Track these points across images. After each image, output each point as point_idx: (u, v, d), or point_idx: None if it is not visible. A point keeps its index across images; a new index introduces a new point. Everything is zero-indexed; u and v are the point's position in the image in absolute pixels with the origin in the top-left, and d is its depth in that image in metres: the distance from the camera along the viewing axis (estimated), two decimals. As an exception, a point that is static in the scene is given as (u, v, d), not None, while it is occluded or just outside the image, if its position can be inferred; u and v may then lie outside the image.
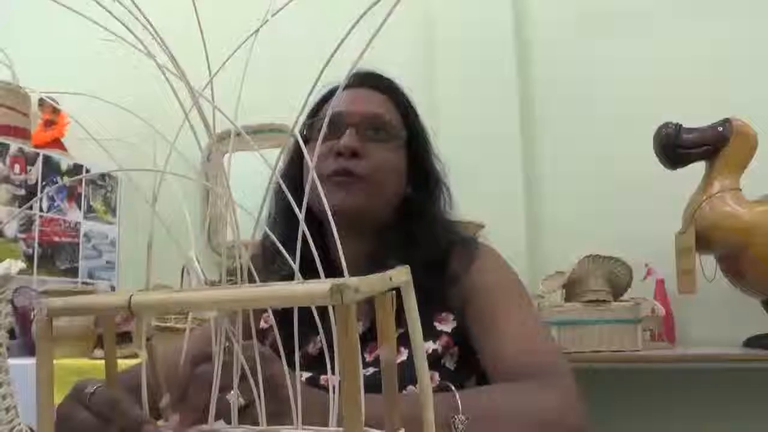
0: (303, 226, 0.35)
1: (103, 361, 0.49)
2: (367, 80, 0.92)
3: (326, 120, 0.40)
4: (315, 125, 0.90)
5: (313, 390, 0.59)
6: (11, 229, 2.01)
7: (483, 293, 0.83)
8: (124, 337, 1.59)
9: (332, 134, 0.86)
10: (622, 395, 1.88)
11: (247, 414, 0.45)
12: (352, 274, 0.31)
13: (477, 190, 1.87)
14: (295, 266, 0.36)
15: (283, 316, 0.71)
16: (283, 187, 0.38)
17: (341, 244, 0.35)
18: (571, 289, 1.75)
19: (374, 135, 0.88)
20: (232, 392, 0.41)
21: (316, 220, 0.83)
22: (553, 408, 0.66)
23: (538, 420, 0.64)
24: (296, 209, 0.35)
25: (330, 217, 0.36)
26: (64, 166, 2.22)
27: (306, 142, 0.90)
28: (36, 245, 2.09)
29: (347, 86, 0.91)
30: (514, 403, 0.65)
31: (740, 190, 1.67)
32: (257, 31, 0.37)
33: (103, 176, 2.33)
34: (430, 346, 0.82)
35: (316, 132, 0.88)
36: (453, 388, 0.66)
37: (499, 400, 0.66)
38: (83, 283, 2.25)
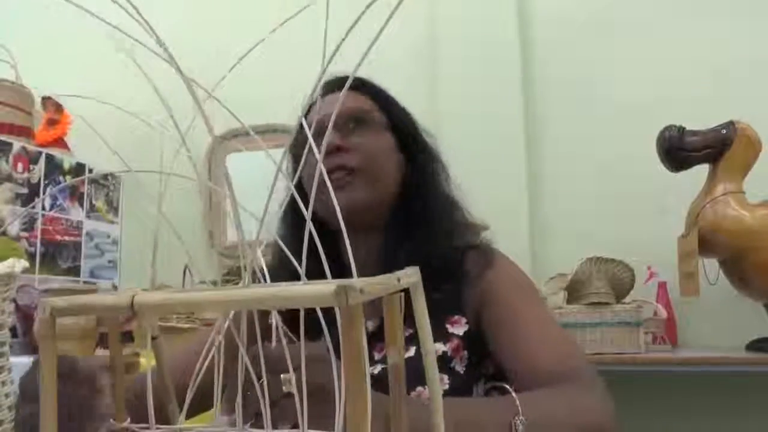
0: (309, 225, 0.34)
1: (105, 361, 0.49)
2: (336, 84, 0.93)
3: (327, 128, 0.40)
4: (299, 140, 0.91)
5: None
6: (14, 228, 2.01)
7: (502, 297, 0.83)
8: (126, 337, 1.59)
9: (320, 142, 0.86)
10: (623, 398, 1.86)
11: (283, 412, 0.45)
12: (365, 275, 0.31)
13: (479, 190, 1.86)
14: (300, 268, 0.36)
15: (289, 315, 0.71)
16: (293, 191, 0.38)
17: (351, 245, 0.35)
18: (573, 291, 1.74)
19: (354, 126, 0.89)
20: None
21: (324, 226, 0.83)
22: (593, 411, 0.67)
23: (583, 424, 0.65)
24: (304, 211, 0.35)
25: (340, 217, 0.36)
26: (66, 165, 2.22)
27: (297, 157, 0.91)
28: (38, 244, 2.09)
29: (322, 95, 0.92)
30: (558, 408, 0.66)
31: (743, 193, 1.67)
32: (262, 40, 0.37)
33: (105, 175, 2.33)
34: (440, 347, 0.82)
35: (303, 146, 0.89)
36: (510, 389, 0.66)
37: (546, 405, 0.66)
38: (85, 282, 2.24)
